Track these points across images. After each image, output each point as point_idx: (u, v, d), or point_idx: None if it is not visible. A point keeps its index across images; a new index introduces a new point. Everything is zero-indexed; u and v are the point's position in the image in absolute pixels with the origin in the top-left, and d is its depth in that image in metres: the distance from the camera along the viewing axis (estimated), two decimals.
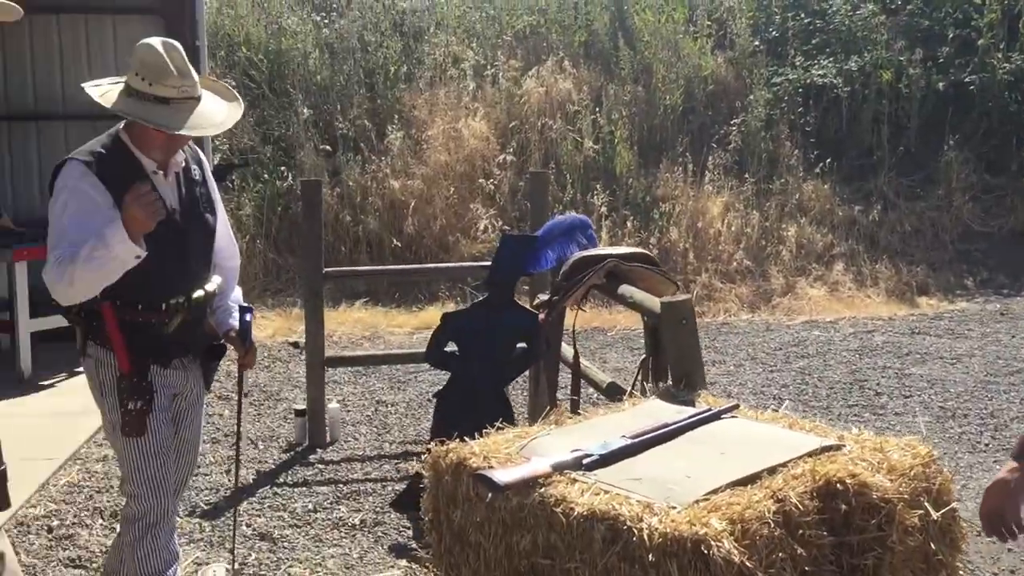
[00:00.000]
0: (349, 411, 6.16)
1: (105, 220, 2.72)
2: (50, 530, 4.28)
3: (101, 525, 4.36)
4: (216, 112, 2.92)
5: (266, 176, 11.18)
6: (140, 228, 2.70)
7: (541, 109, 11.71)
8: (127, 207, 2.69)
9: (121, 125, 2.91)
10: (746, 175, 11.08)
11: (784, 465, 2.49)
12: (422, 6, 13.74)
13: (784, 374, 7.11)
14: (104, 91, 2.86)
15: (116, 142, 2.88)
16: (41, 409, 5.98)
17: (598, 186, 10.88)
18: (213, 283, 3.11)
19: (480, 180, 11.12)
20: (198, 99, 2.85)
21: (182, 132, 2.79)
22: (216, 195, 3.20)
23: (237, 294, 3.32)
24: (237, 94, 3.11)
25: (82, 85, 2.94)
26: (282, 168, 11.21)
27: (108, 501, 4.59)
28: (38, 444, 5.07)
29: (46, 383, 6.51)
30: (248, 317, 3.21)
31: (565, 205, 10.48)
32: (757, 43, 12.45)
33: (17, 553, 3.99)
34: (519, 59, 12.43)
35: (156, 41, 2.79)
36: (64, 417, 5.62)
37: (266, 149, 11.48)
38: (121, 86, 2.85)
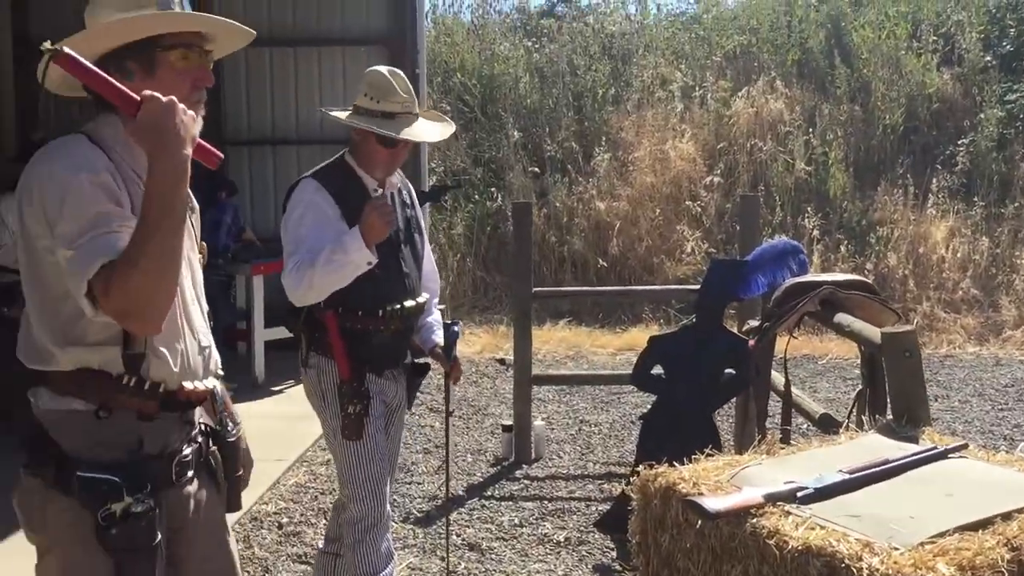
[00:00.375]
0: (554, 429, 6.27)
1: (336, 231, 3.01)
2: (280, 526, 4.62)
3: (324, 525, 4.65)
4: (432, 128, 3.27)
5: (476, 197, 11.57)
6: (376, 236, 2.97)
7: (751, 130, 11.49)
8: (367, 216, 2.95)
9: (347, 150, 3.23)
10: (975, 198, 10.41)
11: (1021, 511, 2.34)
12: (631, 29, 13.83)
13: (1016, 413, 6.61)
14: (340, 118, 3.22)
15: (342, 163, 3.19)
16: (272, 412, 6.44)
17: (810, 209, 10.54)
18: (423, 296, 3.33)
19: (687, 202, 11.03)
20: (417, 116, 3.19)
21: (404, 136, 3.08)
22: (423, 220, 3.47)
23: (437, 315, 3.49)
24: (448, 119, 3.44)
25: (321, 109, 3.32)
26: (492, 189, 11.56)
27: (331, 503, 4.89)
28: (269, 446, 5.46)
29: (276, 388, 7.02)
30: (456, 328, 3.36)
31: (774, 228, 10.22)
32: (989, 58, 11.69)
33: (250, 546, 4.34)
34: (728, 79, 12.26)
35: (383, 68, 3.18)
36: (292, 421, 6.03)
37: (477, 171, 11.88)
38: (351, 110, 3.19)
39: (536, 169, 11.73)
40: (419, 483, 5.21)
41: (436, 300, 3.50)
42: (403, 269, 3.20)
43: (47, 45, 1.71)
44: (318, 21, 9.30)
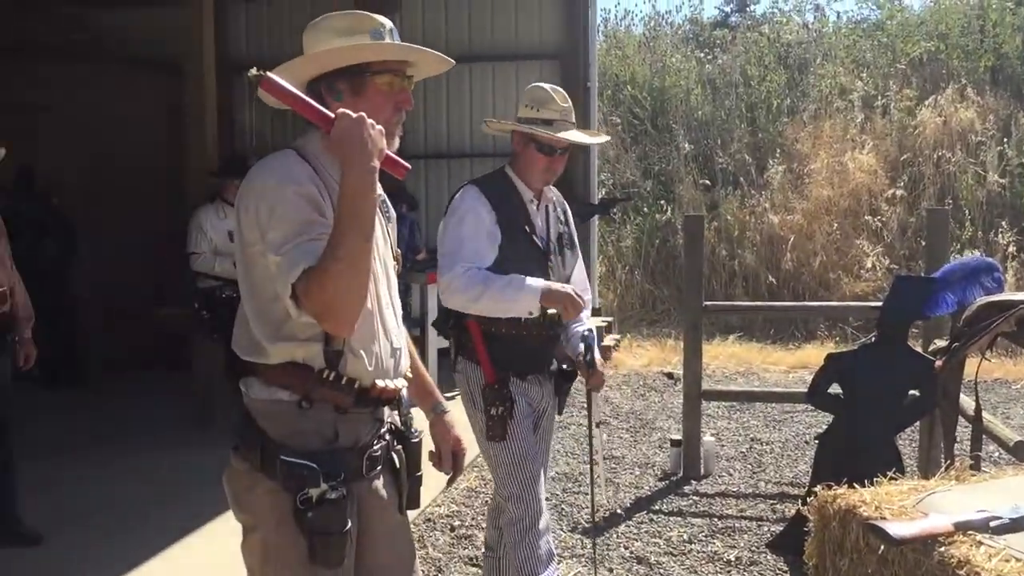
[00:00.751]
0: (723, 446, 6.16)
1: (491, 236, 3.19)
2: (452, 529, 4.75)
3: None
4: (586, 135, 3.51)
5: (645, 209, 11.53)
6: (553, 305, 3.12)
7: (938, 141, 10.95)
8: (563, 294, 3.12)
9: (508, 162, 3.40)
10: None
11: None
12: (808, 38, 13.45)
13: None
14: (500, 125, 3.46)
15: (502, 174, 3.36)
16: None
17: (1004, 224, 9.93)
18: None
19: (866, 216, 10.62)
20: (574, 124, 3.34)
21: (563, 136, 3.24)
22: (575, 238, 3.56)
23: (587, 324, 3.51)
24: (602, 133, 3.58)
25: (485, 120, 3.59)
26: (661, 202, 11.50)
27: None
28: None
29: (448, 396, 7.17)
30: (586, 333, 3.36)
31: (964, 244, 9.69)
32: None
33: (424, 546, 4.48)
34: (914, 88, 11.72)
35: (543, 84, 3.39)
36: (462, 427, 6.19)
37: (647, 183, 11.84)
38: (512, 122, 3.39)
39: (707, 181, 11.58)
40: (587, 493, 5.23)
41: (586, 313, 3.51)
42: (549, 279, 3.28)
43: (253, 72, 1.87)
44: (493, 38, 9.54)
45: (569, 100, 3.35)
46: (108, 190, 8.12)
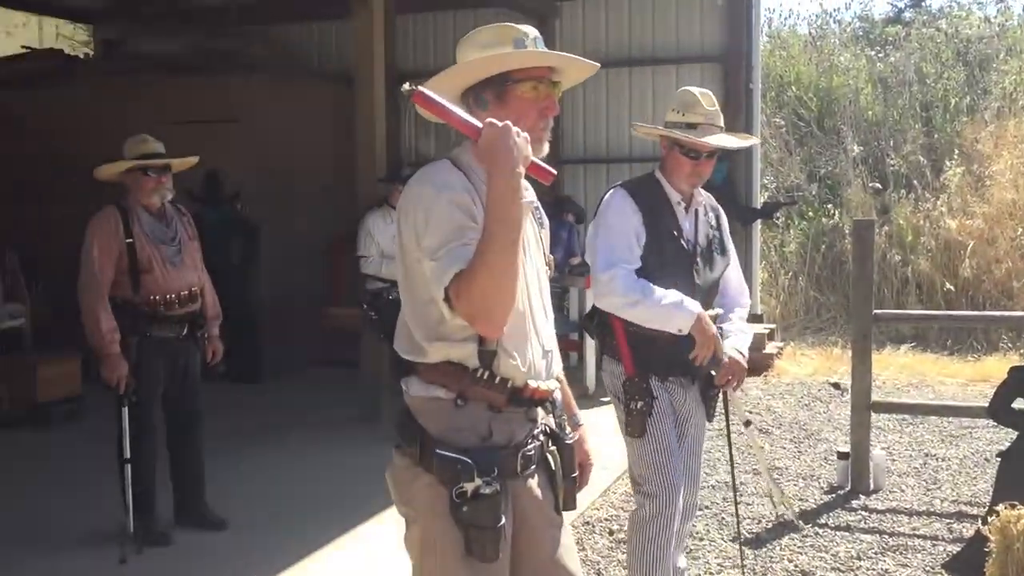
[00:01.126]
0: (894, 460, 5.90)
1: (637, 237, 3.22)
2: (611, 532, 4.74)
3: None
4: (732, 138, 3.40)
5: (811, 214, 11.19)
6: (700, 332, 3.14)
7: None
8: (716, 342, 3.18)
9: (658, 166, 3.41)
10: None
11: None
12: (990, 32, 12.72)
13: None
14: (647, 129, 3.52)
15: (651, 177, 3.40)
16: (600, 422, 6.61)
17: None
18: (714, 310, 3.38)
19: None
20: (721, 129, 3.31)
21: (705, 140, 3.22)
22: (729, 242, 3.51)
23: (740, 326, 3.47)
24: (752, 136, 3.51)
25: (632, 124, 3.57)
26: (828, 205, 11.13)
27: None
28: (597, 455, 5.62)
29: (606, 400, 7.19)
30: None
31: None
32: None
33: (583, 549, 4.50)
34: None
35: (693, 87, 3.38)
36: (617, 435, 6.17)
37: (812, 187, 11.49)
38: (658, 126, 3.41)
39: (877, 184, 11.11)
40: (748, 504, 5.12)
41: (741, 314, 3.52)
42: (695, 282, 3.27)
43: (406, 86, 1.97)
44: (653, 41, 9.48)
45: (716, 104, 3.33)
46: (285, 196, 8.57)
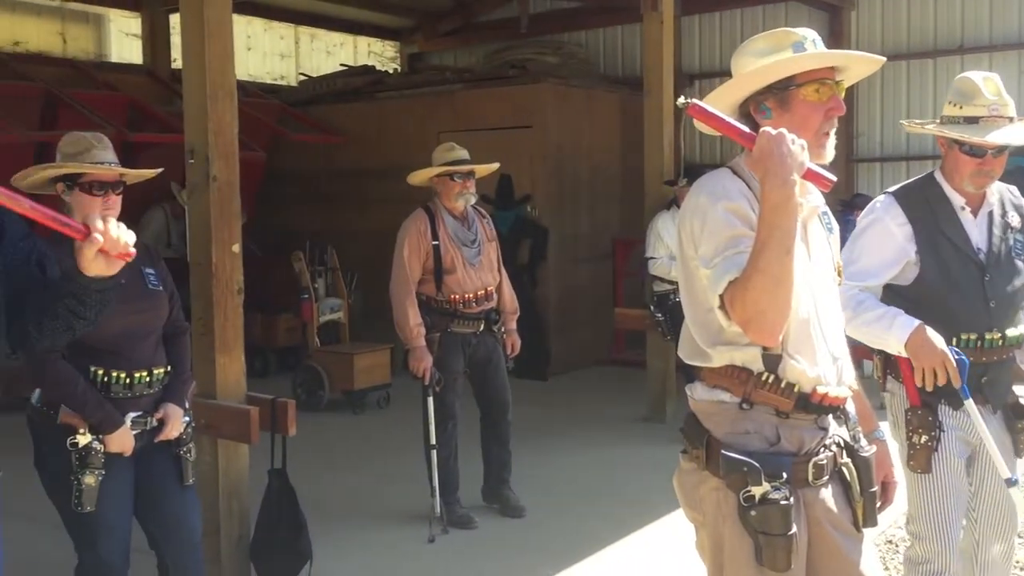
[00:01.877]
0: None
1: (899, 251, 2.90)
2: None
3: None
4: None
5: None
6: (915, 358, 2.77)
7: None
8: (924, 349, 2.76)
9: (939, 166, 3.00)
10: None
11: None
12: None
13: None
14: (918, 127, 3.07)
15: (929, 179, 3.00)
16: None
17: None
18: (1017, 329, 2.94)
19: None
20: (1011, 119, 2.84)
21: (988, 139, 2.78)
22: None
23: None
24: None
25: (901, 122, 3.25)
26: None
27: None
28: (898, 471, 5.28)
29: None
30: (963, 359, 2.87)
31: None
32: None
33: (886, 568, 4.25)
34: None
35: (973, 74, 2.91)
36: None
37: None
38: (932, 123, 2.99)
39: None
40: None
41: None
42: (985, 296, 2.88)
43: (681, 100, 1.96)
44: (963, 28, 8.78)
45: (1003, 91, 2.85)
46: (571, 198, 8.81)
